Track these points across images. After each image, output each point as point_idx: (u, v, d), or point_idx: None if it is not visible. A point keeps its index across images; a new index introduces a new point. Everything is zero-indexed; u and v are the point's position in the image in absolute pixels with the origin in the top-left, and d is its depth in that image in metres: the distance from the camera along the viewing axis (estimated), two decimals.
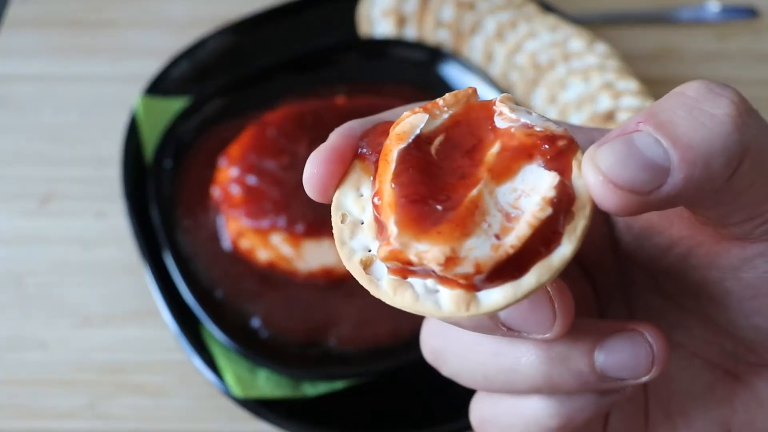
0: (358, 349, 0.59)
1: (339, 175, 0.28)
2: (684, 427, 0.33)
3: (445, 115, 0.28)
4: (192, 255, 0.62)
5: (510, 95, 0.28)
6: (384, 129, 0.29)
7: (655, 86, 0.72)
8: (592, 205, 0.25)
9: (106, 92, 0.77)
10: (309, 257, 0.61)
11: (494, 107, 0.28)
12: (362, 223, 0.28)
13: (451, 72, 0.71)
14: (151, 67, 0.75)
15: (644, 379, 0.29)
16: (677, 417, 0.33)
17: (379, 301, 0.27)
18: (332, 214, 0.28)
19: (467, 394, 0.34)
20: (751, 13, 0.80)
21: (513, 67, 0.72)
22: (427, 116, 0.28)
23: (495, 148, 0.27)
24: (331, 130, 0.29)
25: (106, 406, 0.59)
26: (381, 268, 0.27)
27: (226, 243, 0.63)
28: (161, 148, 0.66)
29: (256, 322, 0.60)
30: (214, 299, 0.60)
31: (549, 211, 0.25)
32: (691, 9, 0.81)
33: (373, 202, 0.27)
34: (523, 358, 0.30)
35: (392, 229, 0.26)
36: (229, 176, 0.65)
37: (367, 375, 0.58)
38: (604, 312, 0.35)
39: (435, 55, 0.72)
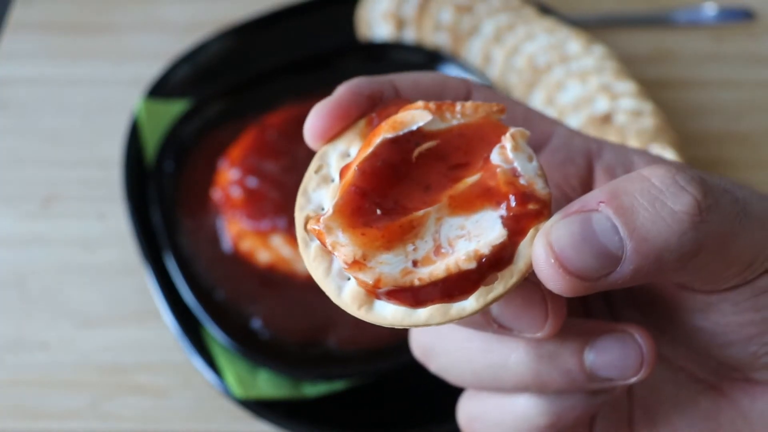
0: (358, 350, 0.59)
1: (338, 129, 0.29)
2: None
3: (455, 122, 0.28)
4: (192, 256, 0.63)
5: (526, 132, 0.27)
6: (398, 106, 0.29)
7: (652, 88, 0.73)
8: (519, 278, 0.25)
9: (107, 95, 0.78)
10: None
11: (503, 137, 0.27)
12: (332, 181, 0.28)
13: (450, 74, 0.72)
14: (152, 70, 0.75)
15: (633, 379, 0.30)
16: (662, 427, 0.33)
17: None
18: (315, 158, 0.29)
19: None
20: (747, 15, 0.80)
21: (511, 70, 0.73)
22: (430, 117, 0.27)
23: (473, 179, 0.26)
24: None
25: (108, 407, 0.60)
26: (313, 242, 0.27)
27: (227, 244, 0.64)
28: (162, 150, 0.67)
29: (256, 323, 0.60)
30: (215, 300, 0.61)
31: (473, 265, 0.25)
32: (687, 11, 0.81)
33: (340, 172, 0.28)
34: (513, 355, 0.30)
35: (329, 210, 0.26)
36: (230, 178, 0.65)
37: (367, 375, 0.58)
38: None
39: (433, 57, 0.73)
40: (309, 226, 0.27)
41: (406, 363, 0.57)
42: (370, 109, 0.29)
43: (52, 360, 0.61)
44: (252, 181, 0.64)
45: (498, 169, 0.26)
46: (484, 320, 0.29)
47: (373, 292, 0.25)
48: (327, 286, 0.27)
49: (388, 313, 0.26)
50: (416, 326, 0.25)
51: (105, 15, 0.84)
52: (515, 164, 0.26)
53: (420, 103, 0.28)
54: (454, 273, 0.25)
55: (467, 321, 0.29)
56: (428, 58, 0.73)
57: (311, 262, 0.27)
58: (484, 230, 0.26)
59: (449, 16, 0.76)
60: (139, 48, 0.81)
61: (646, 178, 0.25)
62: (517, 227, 0.25)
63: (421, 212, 0.26)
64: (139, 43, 0.81)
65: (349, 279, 0.26)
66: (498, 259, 0.25)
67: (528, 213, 0.25)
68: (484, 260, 0.25)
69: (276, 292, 0.61)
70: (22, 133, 0.75)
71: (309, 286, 0.61)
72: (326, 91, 0.73)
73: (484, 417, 0.32)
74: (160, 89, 0.72)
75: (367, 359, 0.59)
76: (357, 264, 0.25)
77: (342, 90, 0.29)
